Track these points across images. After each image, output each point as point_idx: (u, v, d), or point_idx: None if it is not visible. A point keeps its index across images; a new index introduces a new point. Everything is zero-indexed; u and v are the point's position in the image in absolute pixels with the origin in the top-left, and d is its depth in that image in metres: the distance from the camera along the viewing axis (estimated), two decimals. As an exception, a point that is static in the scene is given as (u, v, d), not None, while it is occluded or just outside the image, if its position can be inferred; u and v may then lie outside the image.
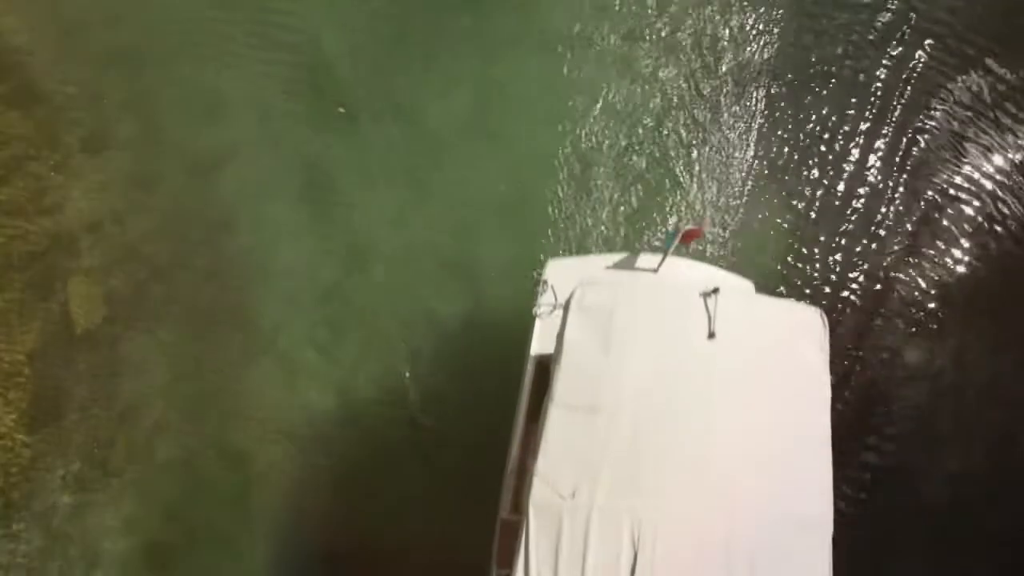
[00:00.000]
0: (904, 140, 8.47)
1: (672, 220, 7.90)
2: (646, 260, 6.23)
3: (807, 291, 7.93)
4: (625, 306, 5.03)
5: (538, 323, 5.97)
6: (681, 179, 8.24)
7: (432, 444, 7.39)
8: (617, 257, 6.31)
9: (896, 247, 8.15)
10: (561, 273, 6.01)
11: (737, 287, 6.15)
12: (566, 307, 5.14)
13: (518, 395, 6.02)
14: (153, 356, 7.65)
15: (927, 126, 8.51)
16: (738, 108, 8.55)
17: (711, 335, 4.94)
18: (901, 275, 8.04)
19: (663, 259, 6.04)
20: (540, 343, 5.94)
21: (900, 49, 8.79)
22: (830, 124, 8.56)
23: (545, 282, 5.93)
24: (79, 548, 7.08)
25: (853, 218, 8.22)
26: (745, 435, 4.75)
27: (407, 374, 7.62)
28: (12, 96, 8.41)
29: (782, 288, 7.91)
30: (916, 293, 7.99)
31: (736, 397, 4.85)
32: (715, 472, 4.65)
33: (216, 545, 7.13)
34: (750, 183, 8.29)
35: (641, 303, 5.10)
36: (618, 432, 4.69)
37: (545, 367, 5.64)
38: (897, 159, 8.43)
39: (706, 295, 5.04)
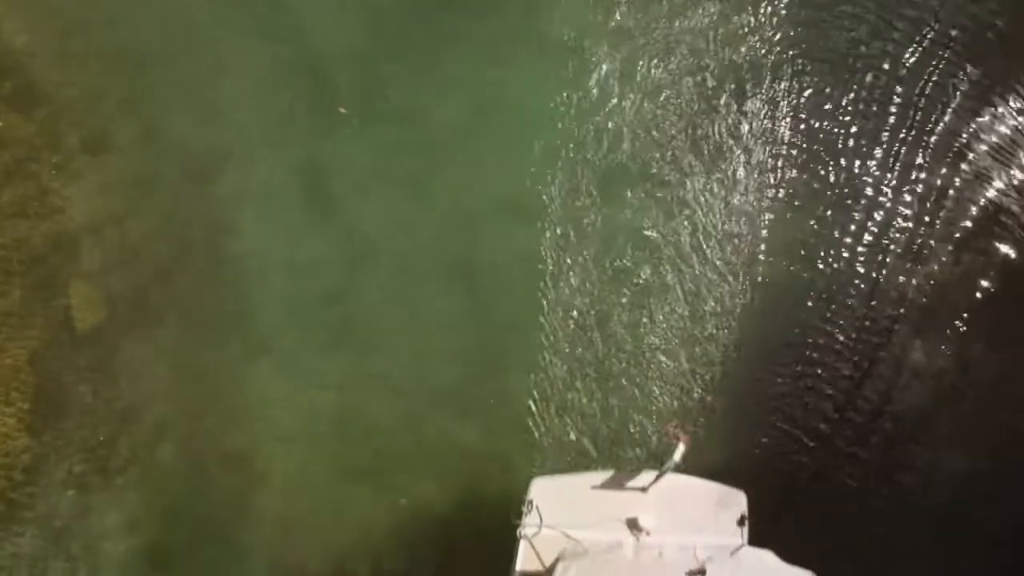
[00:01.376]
0: (900, 139, 8.44)
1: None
2: (637, 480, 6.04)
3: (808, 290, 7.94)
4: None
5: (523, 543, 5.83)
6: (681, 182, 8.23)
7: (433, 444, 7.43)
8: (606, 475, 6.11)
9: (898, 246, 8.12)
10: (546, 492, 5.93)
11: (729, 502, 5.97)
12: None
13: None
14: (154, 357, 7.67)
15: (927, 124, 8.48)
16: (740, 108, 8.52)
17: None
18: (903, 274, 8.02)
19: (656, 479, 5.90)
20: (524, 563, 5.81)
21: (913, 48, 8.76)
22: (834, 121, 8.52)
23: (531, 502, 5.81)
24: (81, 548, 7.12)
25: (856, 217, 8.20)
26: None
27: (408, 374, 7.64)
28: (12, 98, 8.39)
29: (787, 285, 7.92)
30: (918, 292, 7.97)
31: None
32: None
33: (216, 545, 7.17)
34: (752, 179, 8.28)
35: None
36: None
37: None
38: (898, 158, 8.40)
39: (691, 575, 5.06)
